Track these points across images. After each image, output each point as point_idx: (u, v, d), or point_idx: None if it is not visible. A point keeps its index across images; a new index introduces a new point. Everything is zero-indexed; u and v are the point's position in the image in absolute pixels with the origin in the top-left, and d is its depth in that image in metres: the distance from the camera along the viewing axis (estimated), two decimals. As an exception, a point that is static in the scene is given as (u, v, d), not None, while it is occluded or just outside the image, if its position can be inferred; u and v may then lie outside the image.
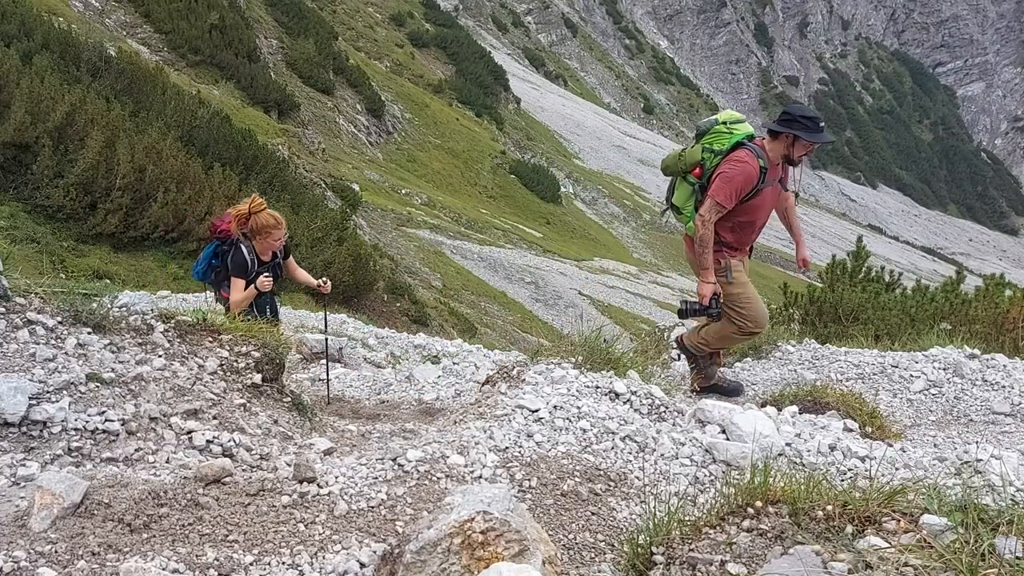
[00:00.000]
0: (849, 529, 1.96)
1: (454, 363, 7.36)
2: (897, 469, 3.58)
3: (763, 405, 4.51)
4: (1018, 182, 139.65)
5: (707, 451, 3.47)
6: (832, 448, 3.60)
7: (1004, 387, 5.37)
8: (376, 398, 5.82)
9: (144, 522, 2.45)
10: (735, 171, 4.77)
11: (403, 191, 36.38)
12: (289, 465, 3.09)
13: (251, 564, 2.37)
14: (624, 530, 2.80)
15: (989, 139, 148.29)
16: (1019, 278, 11.63)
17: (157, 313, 3.71)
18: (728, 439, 3.56)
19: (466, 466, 3.15)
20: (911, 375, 5.68)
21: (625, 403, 3.88)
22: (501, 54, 78.86)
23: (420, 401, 5.62)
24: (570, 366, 4.24)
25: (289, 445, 3.44)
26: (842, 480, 3.24)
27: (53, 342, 3.21)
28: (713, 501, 2.28)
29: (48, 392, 2.94)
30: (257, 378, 3.77)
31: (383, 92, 45.47)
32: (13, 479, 2.64)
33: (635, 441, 3.48)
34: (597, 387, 3.95)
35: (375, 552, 2.45)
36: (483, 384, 4.46)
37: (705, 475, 3.32)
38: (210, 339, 3.78)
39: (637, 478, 3.25)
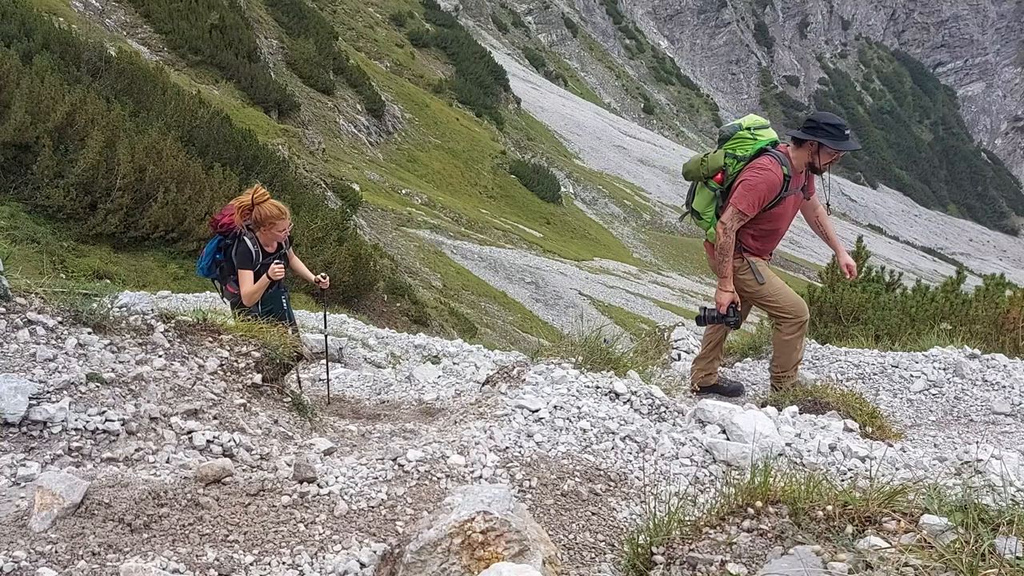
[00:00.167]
0: (849, 529, 1.96)
1: (454, 363, 7.36)
2: (897, 469, 3.58)
3: (763, 405, 4.51)
4: (1018, 182, 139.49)
5: (707, 451, 3.47)
6: (832, 448, 3.60)
7: (1004, 387, 5.36)
8: (376, 398, 5.82)
9: (144, 522, 2.45)
10: (758, 179, 4.67)
11: (403, 191, 36.39)
12: (289, 465, 3.09)
13: (251, 564, 2.37)
14: (624, 530, 2.80)
15: (989, 139, 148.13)
16: (1019, 278, 11.62)
17: (157, 313, 3.71)
18: (728, 439, 3.56)
19: (466, 466, 3.15)
20: (911, 375, 5.67)
21: (625, 403, 3.88)
22: (501, 54, 78.83)
23: (420, 401, 5.62)
24: (570, 366, 4.24)
25: (289, 445, 3.44)
26: (842, 480, 3.24)
27: (53, 342, 3.21)
28: (713, 501, 2.28)
29: (48, 392, 2.94)
30: (257, 378, 3.77)
31: (383, 92, 45.48)
32: (13, 479, 2.64)
33: (635, 441, 3.48)
34: (597, 387, 3.95)
35: (375, 552, 2.46)
36: (483, 384, 4.47)
37: (705, 475, 3.32)
38: (210, 339, 3.78)
39: (637, 478, 3.25)
